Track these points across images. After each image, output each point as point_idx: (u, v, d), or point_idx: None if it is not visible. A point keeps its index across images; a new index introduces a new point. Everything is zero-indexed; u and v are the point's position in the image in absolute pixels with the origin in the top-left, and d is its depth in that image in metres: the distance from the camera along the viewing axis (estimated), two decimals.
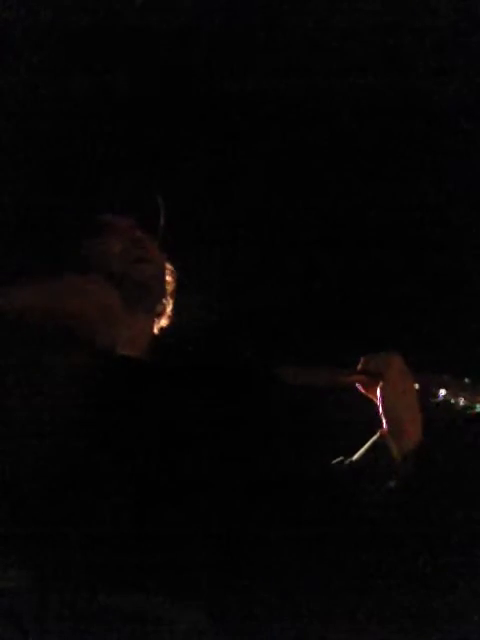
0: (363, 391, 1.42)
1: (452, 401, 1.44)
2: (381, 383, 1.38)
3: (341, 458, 1.32)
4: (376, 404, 1.38)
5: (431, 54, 1.99)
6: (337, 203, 2.12)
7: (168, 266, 1.53)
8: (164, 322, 1.53)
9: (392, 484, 1.29)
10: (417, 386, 1.41)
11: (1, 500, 1.10)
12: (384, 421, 1.36)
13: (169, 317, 1.54)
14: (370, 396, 1.41)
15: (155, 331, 1.51)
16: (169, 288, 1.54)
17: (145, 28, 1.93)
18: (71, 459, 1.10)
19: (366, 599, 1.59)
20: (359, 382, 1.43)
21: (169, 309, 1.54)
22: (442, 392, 1.44)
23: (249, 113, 2.05)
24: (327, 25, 1.94)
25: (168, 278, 1.54)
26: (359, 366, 1.42)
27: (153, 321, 1.50)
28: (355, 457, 1.32)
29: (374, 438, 1.34)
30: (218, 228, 1.97)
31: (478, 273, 2.11)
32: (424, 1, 1.93)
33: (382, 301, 2.06)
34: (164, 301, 1.51)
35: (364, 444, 1.34)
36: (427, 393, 1.43)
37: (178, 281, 1.55)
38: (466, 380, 1.45)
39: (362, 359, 1.42)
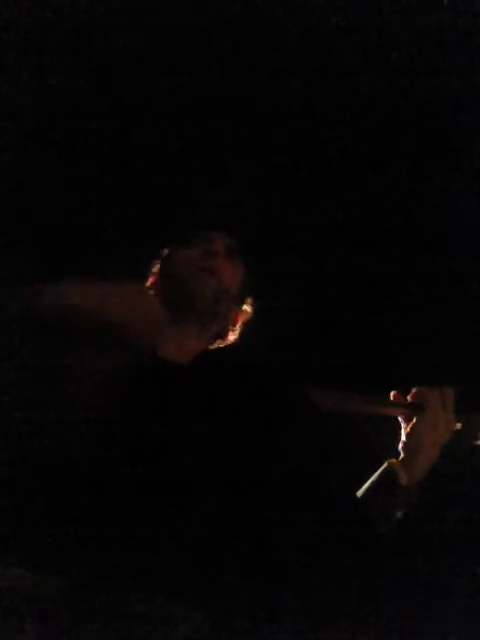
0: (405, 423, 1.41)
1: None
2: (419, 415, 1.38)
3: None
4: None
5: (431, 54, 1.99)
6: (335, 203, 2.12)
7: (248, 298, 1.47)
8: (219, 344, 1.45)
9: (400, 514, 1.30)
10: (459, 425, 1.40)
11: (1, 500, 1.10)
12: (401, 450, 1.37)
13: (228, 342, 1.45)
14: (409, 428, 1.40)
15: (203, 349, 1.41)
16: (241, 316, 1.48)
17: (146, 28, 1.93)
18: (73, 459, 1.10)
19: (366, 600, 1.58)
20: (402, 415, 1.42)
21: (232, 336, 1.46)
22: None
23: (249, 114, 2.05)
24: (327, 25, 1.94)
25: (245, 307, 1.47)
26: (409, 398, 1.41)
27: (203, 339, 1.41)
28: (366, 486, 1.32)
29: (384, 467, 1.35)
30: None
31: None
32: (424, 1, 1.93)
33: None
34: (224, 323, 1.44)
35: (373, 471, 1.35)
36: (469, 434, 1.42)
37: (253, 311, 1.48)
38: None
39: (413, 391, 1.41)
